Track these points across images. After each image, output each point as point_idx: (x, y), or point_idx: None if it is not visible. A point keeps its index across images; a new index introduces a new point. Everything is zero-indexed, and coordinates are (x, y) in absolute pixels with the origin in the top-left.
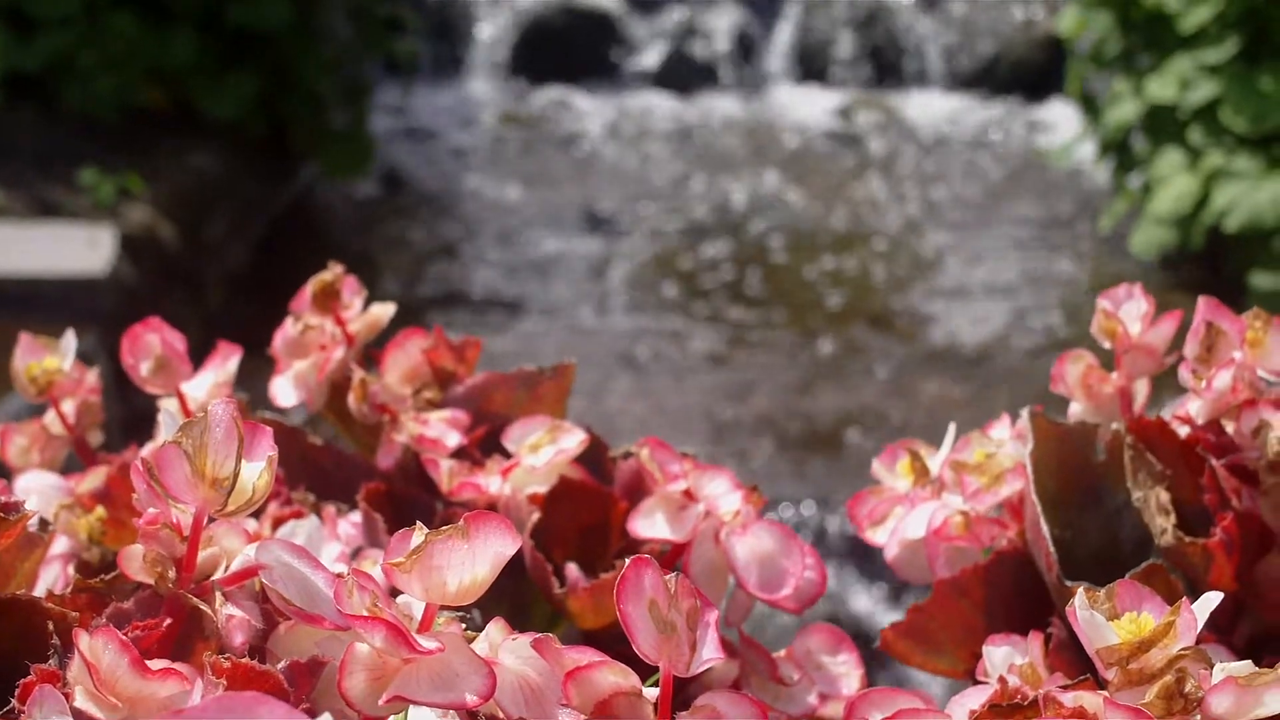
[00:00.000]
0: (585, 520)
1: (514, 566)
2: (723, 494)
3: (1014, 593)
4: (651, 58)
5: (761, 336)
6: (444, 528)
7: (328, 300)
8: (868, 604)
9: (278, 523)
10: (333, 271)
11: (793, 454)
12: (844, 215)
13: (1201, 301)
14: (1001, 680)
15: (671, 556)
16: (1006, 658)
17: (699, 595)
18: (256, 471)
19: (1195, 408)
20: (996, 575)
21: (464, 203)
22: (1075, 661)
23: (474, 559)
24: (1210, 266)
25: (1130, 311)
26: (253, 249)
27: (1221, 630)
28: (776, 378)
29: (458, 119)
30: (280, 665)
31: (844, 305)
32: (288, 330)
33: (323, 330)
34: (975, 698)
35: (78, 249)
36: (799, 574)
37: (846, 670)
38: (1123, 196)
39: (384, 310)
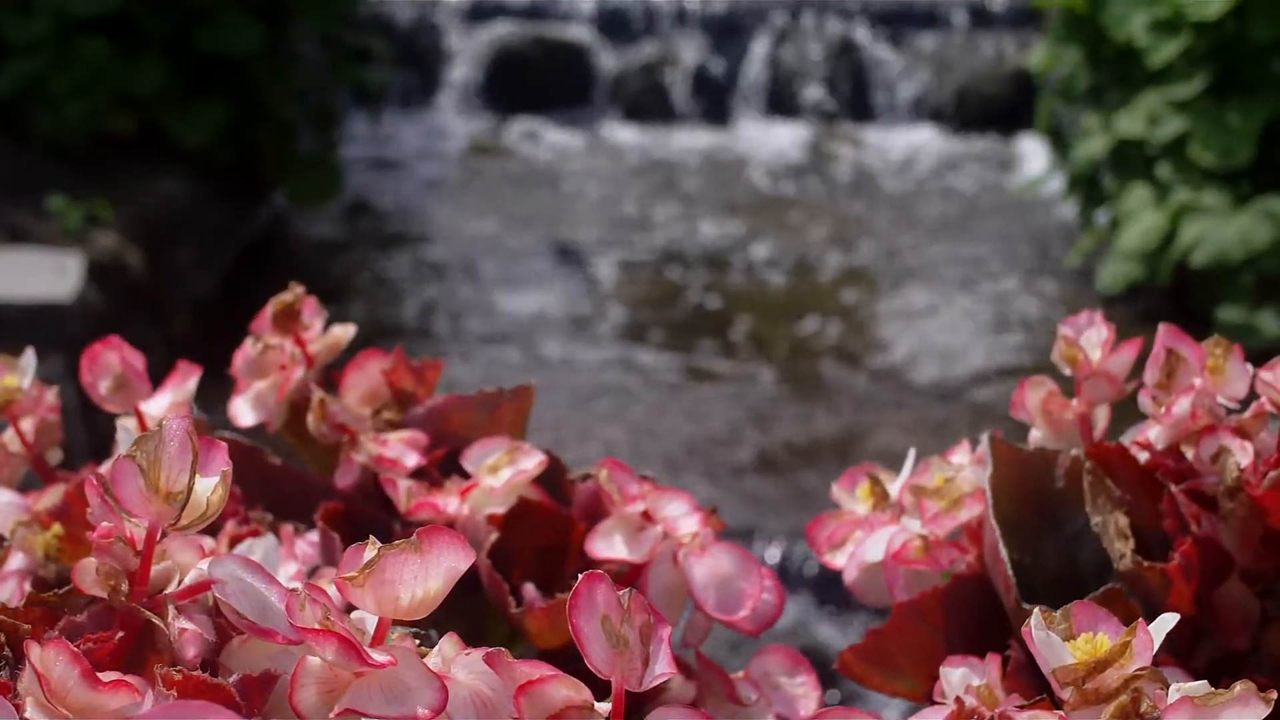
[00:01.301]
0: (543, 541)
1: (471, 586)
2: (681, 516)
3: (973, 616)
4: (622, 90)
5: (730, 368)
6: (397, 542)
7: (288, 321)
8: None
9: (234, 541)
10: (293, 292)
11: (760, 483)
12: (812, 248)
13: (1162, 328)
14: (958, 701)
15: (629, 578)
16: (964, 679)
17: (652, 611)
18: (210, 486)
19: (1155, 434)
20: (955, 599)
21: (433, 232)
22: (1033, 684)
23: (427, 573)
24: (1178, 301)
25: (1091, 339)
26: (220, 276)
27: (1180, 654)
28: (743, 409)
29: (428, 149)
30: (232, 679)
31: (811, 337)
32: (247, 351)
33: (282, 350)
34: (932, 718)
35: (45, 275)
36: (756, 595)
37: (804, 692)
38: (1091, 231)
39: (344, 331)
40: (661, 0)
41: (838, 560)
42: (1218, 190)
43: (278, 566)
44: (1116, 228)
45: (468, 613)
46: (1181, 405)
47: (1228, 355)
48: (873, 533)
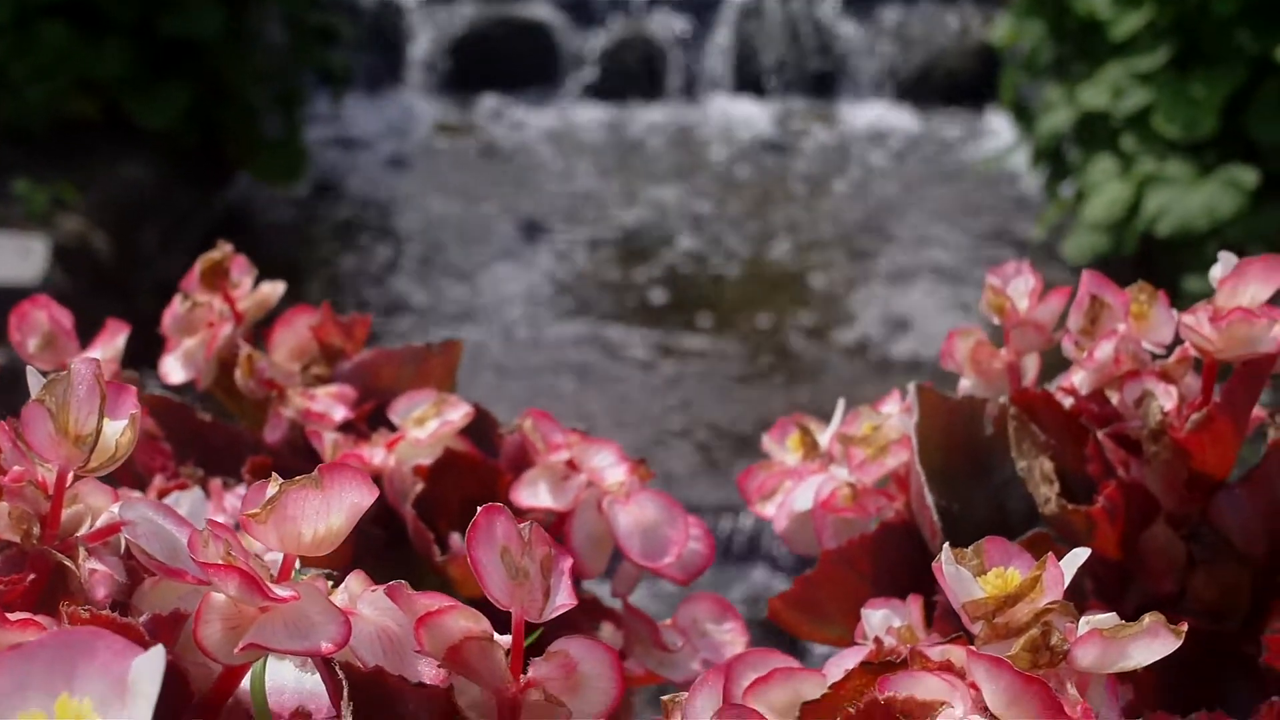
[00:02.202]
0: (470, 492)
1: (401, 537)
2: (608, 466)
3: (900, 563)
4: (588, 68)
5: (698, 345)
6: (298, 478)
7: (216, 279)
8: None
9: (162, 495)
10: (221, 250)
11: (728, 460)
12: (779, 224)
13: (1086, 274)
14: (877, 640)
15: (555, 527)
16: (884, 620)
17: (552, 544)
18: (119, 429)
19: (1079, 379)
20: (883, 546)
21: (399, 212)
22: (958, 629)
23: (329, 509)
24: (1144, 272)
25: (1018, 288)
26: (186, 258)
27: (1109, 599)
28: (712, 386)
29: (393, 129)
30: (142, 618)
31: (781, 312)
32: (176, 308)
33: (210, 308)
34: (851, 658)
35: (10, 258)
36: (682, 542)
37: (731, 638)
38: (1056, 204)
39: (273, 289)
40: None
41: (768, 510)
42: (1182, 161)
43: (204, 519)
44: (1081, 199)
45: (398, 563)
46: (1104, 349)
47: (1152, 301)
48: (802, 482)
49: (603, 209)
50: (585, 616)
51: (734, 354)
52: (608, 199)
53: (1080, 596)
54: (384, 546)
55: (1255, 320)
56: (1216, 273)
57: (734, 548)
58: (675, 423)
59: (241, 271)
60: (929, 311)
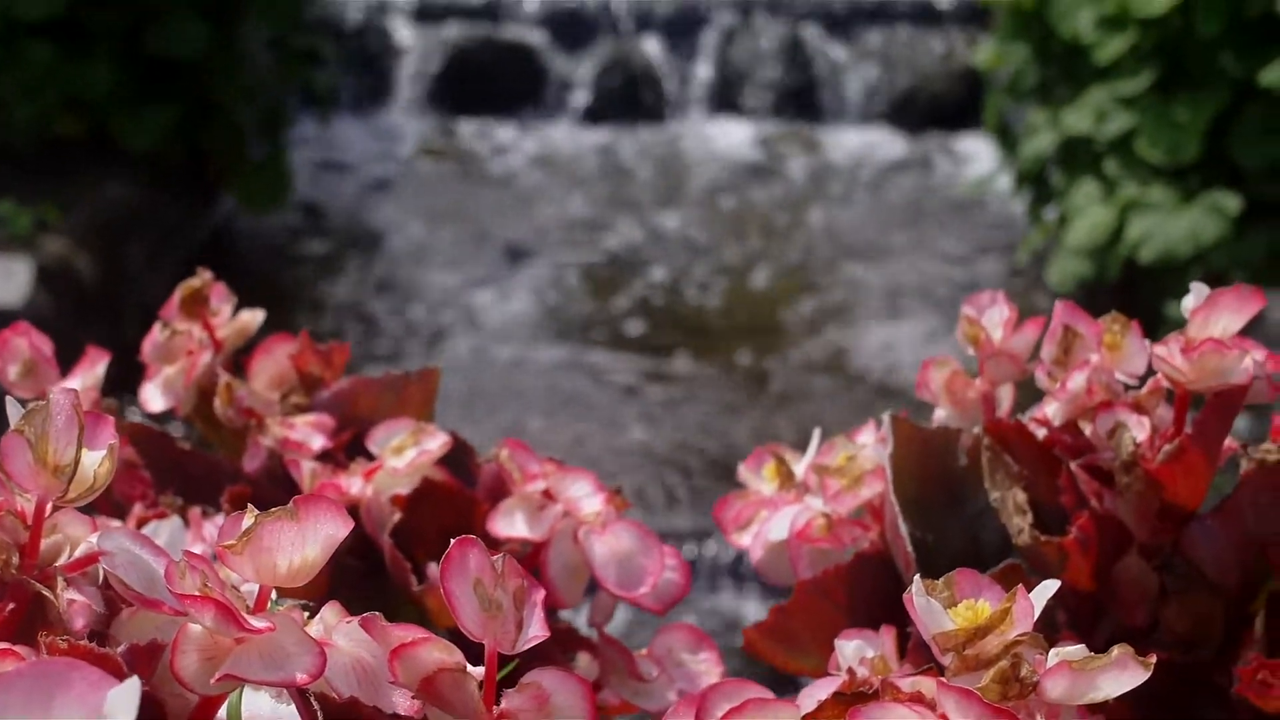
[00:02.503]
0: (447, 521)
1: (378, 567)
2: (584, 496)
3: (875, 593)
4: (574, 91)
5: (681, 371)
6: (273, 510)
7: (195, 306)
8: None
9: (141, 524)
10: (201, 278)
11: (712, 488)
12: (763, 248)
13: (1059, 305)
14: (850, 671)
15: (531, 556)
16: (858, 651)
17: (525, 575)
18: (98, 459)
19: (1051, 409)
20: (858, 576)
21: (383, 235)
22: (931, 660)
23: (304, 540)
24: (1127, 297)
25: (993, 318)
26: (170, 279)
27: (1082, 631)
28: (696, 413)
29: (378, 151)
30: (120, 649)
31: (764, 338)
32: (155, 336)
33: (190, 336)
34: (824, 689)
35: None
36: (657, 572)
37: (706, 668)
38: (1039, 228)
39: (253, 316)
40: (612, 2)
41: (743, 540)
42: (1165, 186)
43: (182, 548)
44: (1065, 224)
45: (376, 593)
46: (1076, 380)
47: (1125, 332)
48: (777, 512)
49: (587, 233)
50: (560, 647)
51: (718, 380)
52: (592, 223)
53: (1053, 628)
54: (361, 577)
55: (1227, 352)
56: (1189, 304)
57: (717, 575)
58: (658, 449)
59: (221, 299)
60: (912, 337)
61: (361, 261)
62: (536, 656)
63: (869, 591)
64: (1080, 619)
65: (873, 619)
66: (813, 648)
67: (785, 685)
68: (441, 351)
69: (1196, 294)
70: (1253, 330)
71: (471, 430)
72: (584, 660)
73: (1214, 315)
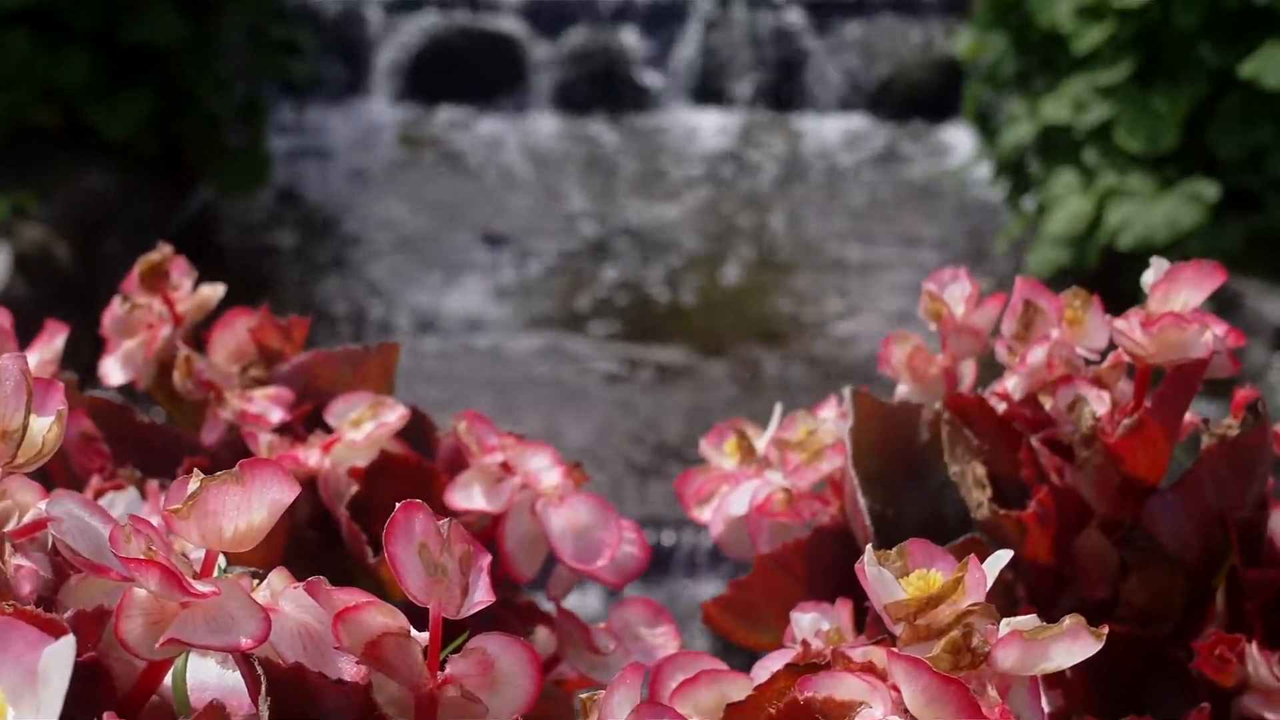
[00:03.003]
0: (405, 494)
1: (336, 539)
2: (543, 469)
3: (835, 567)
4: (552, 79)
5: (662, 357)
6: (219, 474)
7: (156, 280)
8: None
9: (98, 495)
10: (161, 252)
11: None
12: (743, 235)
13: (1019, 281)
14: (804, 643)
15: (489, 529)
16: (813, 624)
17: (472, 541)
18: (46, 425)
19: (1012, 384)
20: (817, 550)
21: (361, 223)
22: (887, 632)
23: (249, 505)
24: (1105, 285)
25: (954, 293)
26: None
27: (1043, 605)
28: (676, 399)
29: (356, 139)
30: (66, 614)
31: (741, 324)
32: (115, 310)
33: (150, 309)
34: (778, 660)
35: None
36: (615, 545)
37: (664, 642)
38: (1018, 217)
39: (213, 291)
40: None
41: (704, 514)
42: (1143, 174)
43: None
44: (1044, 213)
45: (333, 565)
46: (1036, 354)
47: (1087, 307)
48: (738, 486)
49: (566, 221)
50: (519, 619)
51: (695, 366)
52: (571, 211)
53: (1013, 602)
54: (319, 549)
55: (1186, 326)
56: (1149, 278)
57: (697, 559)
58: (635, 433)
59: (181, 274)
60: (890, 324)
61: (339, 249)
62: (496, 627)
63: (828, 565)
64: (1040, 593)
65: (832, 592)
66: (772, 622)
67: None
68: (417, 337)
69: (1156, 269)
70: (1231, 316)
71: (445, 415)
72: (542, 634)
73: (1174, 290)
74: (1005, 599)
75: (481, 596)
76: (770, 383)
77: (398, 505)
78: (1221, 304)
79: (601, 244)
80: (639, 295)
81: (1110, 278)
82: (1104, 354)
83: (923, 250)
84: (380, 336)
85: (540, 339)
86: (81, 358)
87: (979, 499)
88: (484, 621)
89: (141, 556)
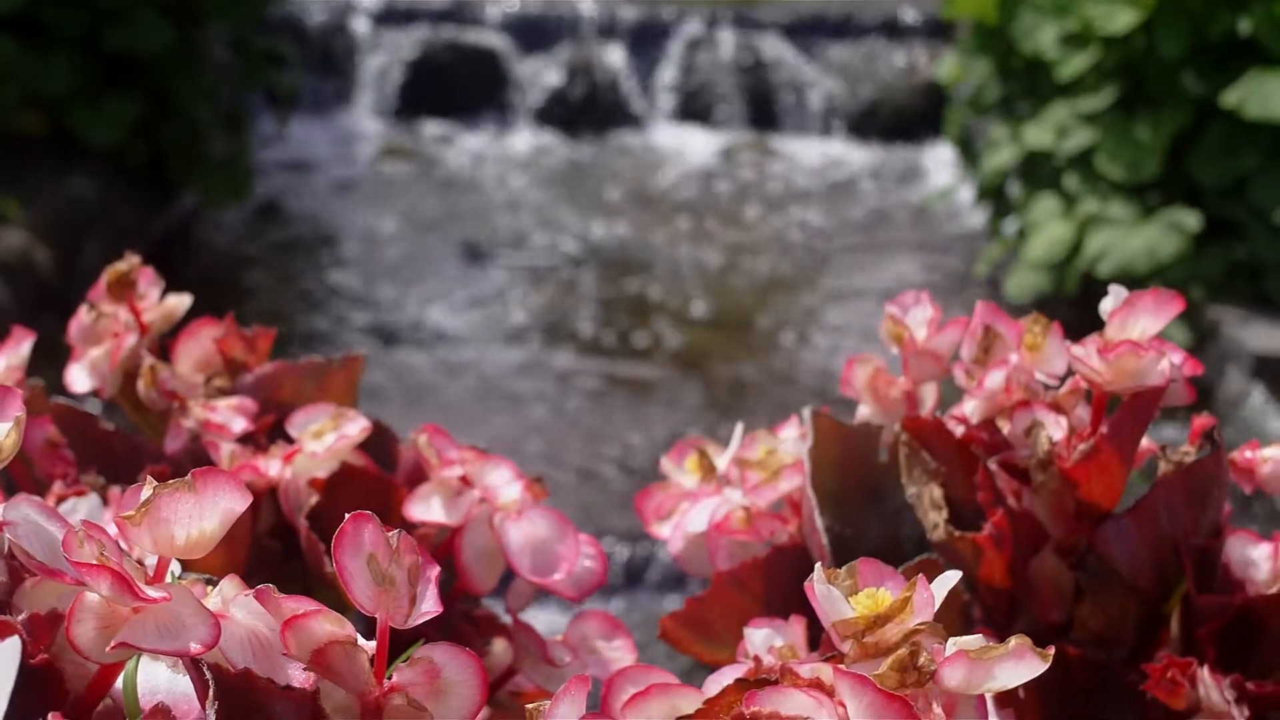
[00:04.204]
0: (366, 505)
1: (297, 549)
2: (504, 483)
3: (792, 585)
4: (536, 95)
5: (641, 373)
6: (171, 481)
7: (123, 290)
8: None
9: (60, 501)
10: (129, 262)
11: None
12: (724, 255)
13: (979, 305)
14: (756, 659)
15: (447, 542)
16: (766, 639)
17: (421, 552)
18: (4, 431)
19: (969, 407)
20: (775, 568)
21: (344, 235)
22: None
23: (201, 512)
24: (1085, 311)
25: (916, 317)
26: None
27: (998, 627)
28: (654, 415)
29: (339, 152)
30: (21, 617)
31: (722, 344)
32: (82, 318)
33: (116, 319)
34: (730, 675)
35: None
36: (572, 559)
37: (620, 655)
38: (999, 241)
39: (179, 301)
40: (576, 7)
41: (664, 531)
42: (1125, 202)
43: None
44: (1024, 238)
45: (295, 575)
46: (994, 378)
47: (1046, 333)
48: (697, 504)
49: (547, 237)
50: (478, 631)
51: (674, 383)
52: (552, 226)
53: (970, 623)
54: (281, 558)
55: (1143, 353)
56: (1107, 305)
57: (673, 575)
58: (614, 448)
59: (149, 283)
60: (869, 345)
61: (320, 260)
62: (451, 639)
63: (785, 583)
64: (996, 615)
65: (789, 610)
66: (729, 638)
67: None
68: (398, 351)
69: (1115, 296)
70: (1208, 344)
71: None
72: (499, 645)
73: (1132, 317)
74: (962, 620)
75: (429, 607)
76: (749, 402)
77: (347, 516)
78: (1201, 332)
79: (584, 260)
80: (619, 311)
81: (1090, 304)
82: (1064, 379)
83: (903, 272)
84: (359, 348)
85: (520, 353)
86: (60, 363)
87: (935, 520)
88: (441, 632)
89: (93, 561)
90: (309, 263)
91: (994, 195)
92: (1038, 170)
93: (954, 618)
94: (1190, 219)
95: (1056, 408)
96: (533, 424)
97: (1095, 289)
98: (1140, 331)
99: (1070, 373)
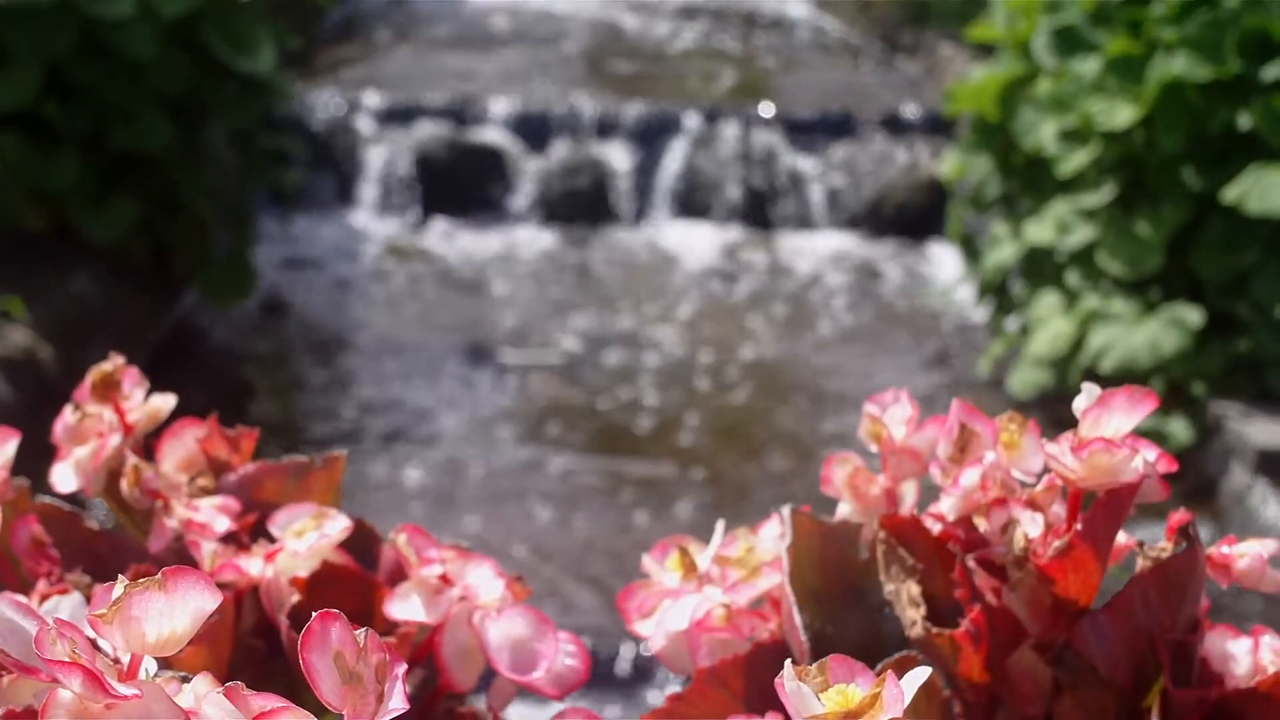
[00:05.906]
0: (347, 604)
1: (281, 648)
2: (484, 581)
3: (772, 682)
4: (540, 193)
5: (644, 472)
6: (141, 580)
7: (107, 390)
8: None
9: (44, 599)
10: (113, 362)
11: None
12: (727, 353)
13: (956, 404)
14: None
15: (427, 641)
16: None
17: (389, 650)
18: None
19: (946, 505)
20: (755, 665)
21: (347, 333)
22: None
23: (172, 611)
24: None
25: (895, 415)
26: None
27: None
28: (660, 516)
29: (343, 250)
30: None
31: (725, 444)
32: (67, 418)
33: (100, 419)
34: None
35: None
36: (552, 657)
37: None
38: (1001, 338)
39: (164, 401)
40: (579, 106)
41: (645, 629)
42: (1126, 298)
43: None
44: (1026, 334)
45: (278, 674)
46: (969, 476)
47: (1022, 431)
48: (678, 601)
49: (552, 336)
50: None
51: (677, 481)
52: (557, 325)
53: (951, 719)
54: (265, 657)
55: (1116, 450)
56: (1080, 404)
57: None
58: (617, 546)
59: (133, 384)
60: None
61: (323, 359)
62: None
63: (766, 680)
64: (976, 711)
65: (769, 707)
66: None
67: None
68: (400, 452)
69: (1087, 394)
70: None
71: (429, 529)
72: None
73: (1105, 415)
74: (943, 716)
75: (396, 704)
76: (752, 500)
77: (314, 615)
78: (1204, 428)
79: (587, 359)
80: (622, 409)
81: None
82: (1040, 477)
83: (907, 370)
84: (360, 447)
85: (524, 453)
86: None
87: (913, 617)
88: None
89: (65, 659)
90: (311, 361)
91: (996, 292)
92: (1039, 266)
93: (936, 713)
94: (1192, 315)
95: (1033, 505)
96: (539, 525)
97: (1097, 384)
98: (1114, 429)
99: (1047, 470)
